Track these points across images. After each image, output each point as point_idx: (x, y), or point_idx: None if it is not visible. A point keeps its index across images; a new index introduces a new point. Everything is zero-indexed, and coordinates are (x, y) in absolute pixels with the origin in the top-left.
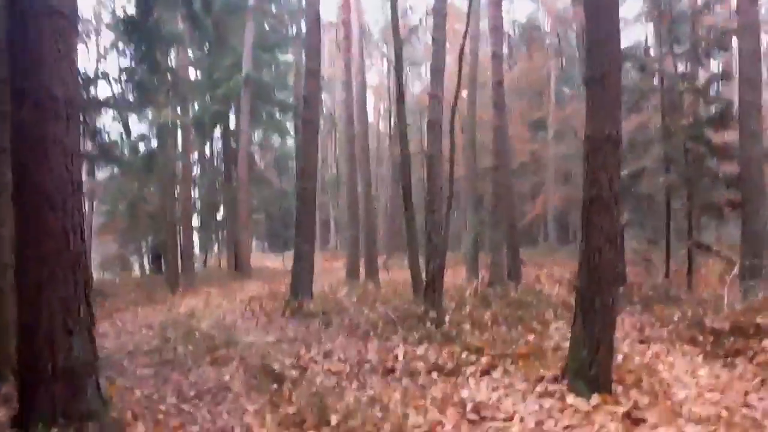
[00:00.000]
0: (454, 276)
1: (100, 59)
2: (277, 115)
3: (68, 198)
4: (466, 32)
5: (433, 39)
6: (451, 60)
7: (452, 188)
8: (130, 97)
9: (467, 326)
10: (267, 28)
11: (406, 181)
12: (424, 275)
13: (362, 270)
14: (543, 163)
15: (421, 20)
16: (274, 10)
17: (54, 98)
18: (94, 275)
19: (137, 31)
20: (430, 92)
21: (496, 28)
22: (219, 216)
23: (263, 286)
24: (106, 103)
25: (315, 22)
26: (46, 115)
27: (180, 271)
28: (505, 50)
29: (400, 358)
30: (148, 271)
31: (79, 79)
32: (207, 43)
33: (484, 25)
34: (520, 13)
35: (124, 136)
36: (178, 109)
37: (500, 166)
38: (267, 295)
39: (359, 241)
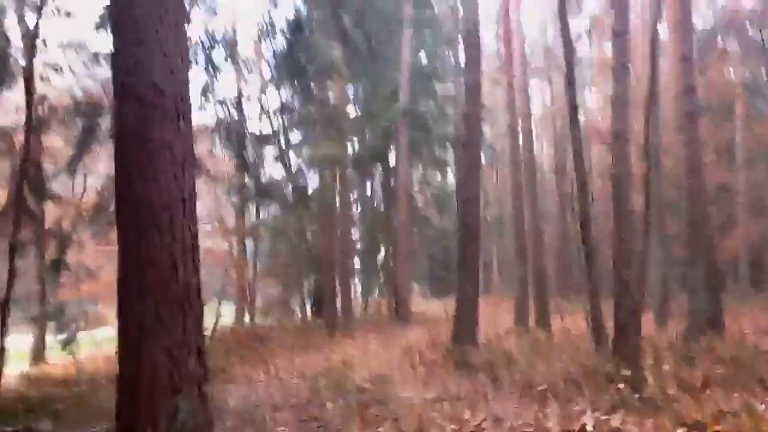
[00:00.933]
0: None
1: (261, 95)
2: (437, 150)
3: (176, 215)
4: (654, 28)
5: (614, 39)
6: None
7: (649, 210)
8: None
9: (673, 390)
10: (424, 59)
11: (584, 209)
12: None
13: (531, 316)
14: (732, 193)
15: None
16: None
17: (160, 93)
18: (256, 320)
19: (290, 59)
20: (612, 95)
21: (681, 24)
22: (379, 258)
23: (424, 333)
24: (266, 140)
25: (473, 31)
26: (151, 112)
27: (339, 315)
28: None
29: (589, 429)
30: (309, 316)
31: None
32: (364, 78)
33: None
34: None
35: (284, 174)
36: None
37: (695, 191)
38: (427, 343)
39: (527, 283)
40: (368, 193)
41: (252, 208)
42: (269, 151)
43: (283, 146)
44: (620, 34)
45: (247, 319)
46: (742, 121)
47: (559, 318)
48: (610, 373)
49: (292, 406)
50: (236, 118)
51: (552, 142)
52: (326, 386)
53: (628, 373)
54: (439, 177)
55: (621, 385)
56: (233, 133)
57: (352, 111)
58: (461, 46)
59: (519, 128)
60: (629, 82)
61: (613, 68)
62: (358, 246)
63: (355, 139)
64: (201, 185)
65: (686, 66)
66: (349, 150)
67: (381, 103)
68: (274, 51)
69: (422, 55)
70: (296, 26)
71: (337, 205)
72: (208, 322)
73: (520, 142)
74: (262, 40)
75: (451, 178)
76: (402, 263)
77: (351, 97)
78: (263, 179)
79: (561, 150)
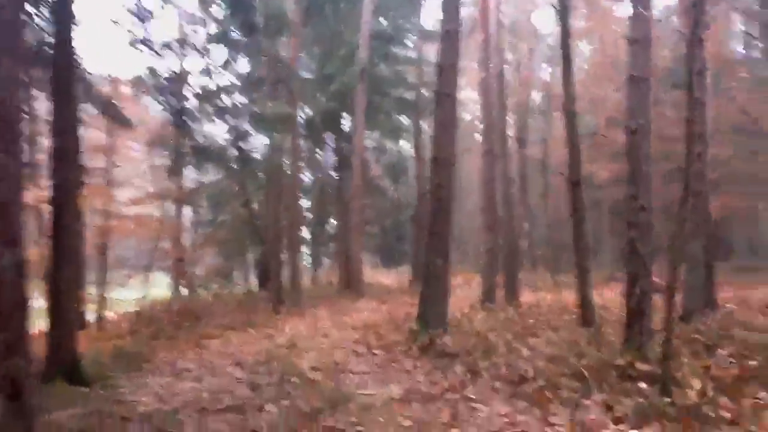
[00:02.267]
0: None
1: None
2: (394, 116)
3: None
4: None
5: None
6: None
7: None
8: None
9: (711, 392)
10: (384, 22)
11: (575, 168)
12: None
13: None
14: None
15: None
16: None
17: None
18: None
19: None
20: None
21: None
22: (329, 229)
23: (379, 307)
24: (208, 97)
25: None
26: None
27: (286, 288)
28: None
29: None
30: (254, 289)
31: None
32: (319, 36)
33: None
34: None
35: (227, 136)
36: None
37: (695, 152)
38: (385, 321)
39: (496, 255)
40: (319, 159)
41: (190, 173)
42: (209, 110)
43: (228, 105)
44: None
45: (186, 292)
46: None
47: (529, 294)
48: (623, 367)
49: (222, 409)
50: (174, 70)
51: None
52: (268, 378)
53: (645, 368)
54: (393, 147)
55: (643, 385)
56: (168, 86)
57: (304, 72)
58: (424, 8)
59: (491, 79)
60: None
61: None
62: (308, 215)
63: (306, 104)
64: (129, 143)
65: None
66: (300, 114)
67: (337, 65)
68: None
69: (381, 19)
70: None
71: (286, 171)
72: (135, 296)
73: (493, 92)
74: None
75: (407, 147)
76: (354, 234)
77: (304, 56)
78: (202, 140)
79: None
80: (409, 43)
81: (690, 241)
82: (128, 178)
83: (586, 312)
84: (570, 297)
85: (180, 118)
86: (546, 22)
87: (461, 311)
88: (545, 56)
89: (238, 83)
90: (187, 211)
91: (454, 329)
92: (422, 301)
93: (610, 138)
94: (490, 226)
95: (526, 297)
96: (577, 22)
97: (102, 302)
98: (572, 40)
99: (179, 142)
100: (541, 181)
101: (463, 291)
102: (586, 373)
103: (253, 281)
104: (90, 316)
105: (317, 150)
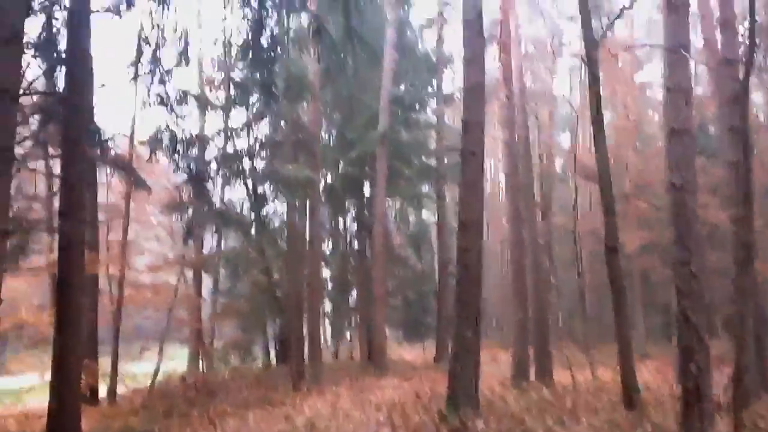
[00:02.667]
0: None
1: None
2: (416, 183)
3: None
4: None
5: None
6: None
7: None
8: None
9: None
10: (403, 87)
11: (611, 232)
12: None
13: (531, 368)
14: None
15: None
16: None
17: None
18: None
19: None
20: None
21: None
22: (351, 300)
23: (403, 385)
24: (229, 160)
25: (476, 17)
26: None
27: (306, 363)
28: None
29: None
30: (272, 363)
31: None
32: (340, 101)
33: None
34: None
35: (246, 200)
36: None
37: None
38: (411, 400)
39: (526, 328)
40: (340, 228)
41: (208, 240)
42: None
43: (247, 168)
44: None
45: (203, 366)
46: None
47: (561, 371)
48: None
49: None
50: (192, 132)
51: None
52: None
53: None
54: (414, 215)
55: None
56: (186, 147)
57: (325, 138)
58: (444, 72)
59: (518, 146)
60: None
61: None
62: (329, 286)
63: (327, 170)
64: (147, 207)
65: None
66: (321, 181)
67: (358, 130)
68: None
69: (402, 86)
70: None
71: (307, 239)
72: (149, 370)
73: (520, 153)
74: (226, 49)
75: (429, 216)
76: (377, 306)
77: (325, 123)
78: (220, 205)
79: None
80: (430, 109)
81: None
82: (145, 245)
83: (629, 392)
84: (606, 375)
85: (198, 181)
86: (563, 87)
87: (491, 389)
88: (564, 122)
89: (257, 147)
90: (206, 281)
91: (486, 410)
92: (451, 379)
93: (636, 205)
94: (520, 295)
95: (558, 374)
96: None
97: (115, 376)
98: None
99: (197, 206)
100: (567, 250)
101: (491, 367)
102: None
103: (273, 355)
104: (102, 390)
105: (338, 217)
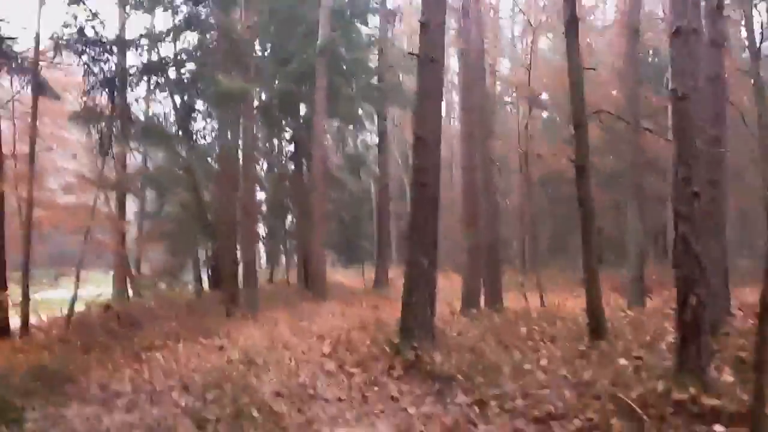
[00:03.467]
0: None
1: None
2: (356, 101)
3: None
4: None
5: None
6: None
7: None
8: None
9: None
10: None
11: (582, 149)
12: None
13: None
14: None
15: None
16: None
17: None
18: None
19: None
20: None
21: None
22: (287, 223)
23: (344, 312)
24: (152, 69)
25: None
26: None
27: (241, 288)
28: None
29: None
30: (204, 289)
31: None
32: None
33: None
34: None
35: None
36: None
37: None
38: (355, 329)
39: (479, 254)
40: (275, 149)
41: (131, 159)
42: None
43: (173, 78)
44: None
45: (130, 293)
46: None
47: (511, 297)
48: (684, 402)
49: None
50: (110, 39)
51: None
52: (219, 410)
53: (715, 402)
54: (352, 137)
55: (720, 429)
56: (104, 52)
57: (259, 52)
58: None
59: (471, 49)
60: None
61: None
62: (263, 209)
63: (262, 86)
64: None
65: None
66: (255, 98)
67: (295, 43)
68: None
69: None
70: None
71: (240, 158)
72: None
73: (472, 64)
74: None
75: (370, 137)
76: (316, 230)
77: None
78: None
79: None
80: (371, 25)
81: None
82: (62, 164)
83: (596, 322)
84: (560, 302)
85: (114, 88)
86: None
87: (442, 319)
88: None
89: (184, 56)
90: (131, 203)
91: (440, 342)
92: (405, 308)
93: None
94: (471, 220)
95: (510, 301)
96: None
97: (26, 305)
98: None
99: (114, 116)
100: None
101: (442, 294)
102: (640, 412)
103: (205, 281)
104: (14, 322)
105: (273, 138)
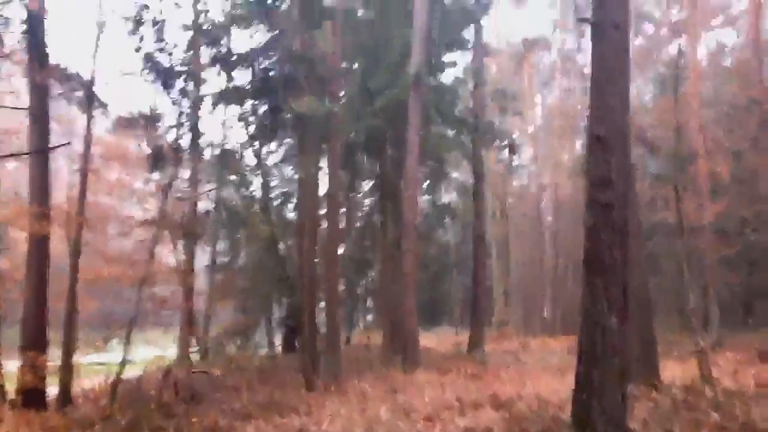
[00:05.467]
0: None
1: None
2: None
3: None
4: None
5: None
6: None
7: None
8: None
9: None
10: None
11: None
12: None
13: None
14: None
15: None
16: None
17: None
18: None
19: None
20: None
21: None
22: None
23: (443, 382)
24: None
25: None
26: None
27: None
28: None
29: None
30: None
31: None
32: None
33: None
34: None
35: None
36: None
37: None
38: (470, 406)
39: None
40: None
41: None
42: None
43: (249, 108)
44: None
45: (196, 357)
46: None
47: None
48: None
49: None
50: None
51: None
52: None
53: None
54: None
55: None
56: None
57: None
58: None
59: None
60: None
61: None
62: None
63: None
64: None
65: None
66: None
67: (386, 74)
68: None
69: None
70: None
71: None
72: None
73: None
74: None
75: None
76: (406, 286)
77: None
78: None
79: None
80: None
81: None
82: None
83: None
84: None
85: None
86: None
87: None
88: None
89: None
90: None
91: None
92: (581, 389)
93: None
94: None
95: (668, 371)
96: None
97: (68, 371)
98: None
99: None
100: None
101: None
102: None
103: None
104: (53, 390)
105: (354, 182)
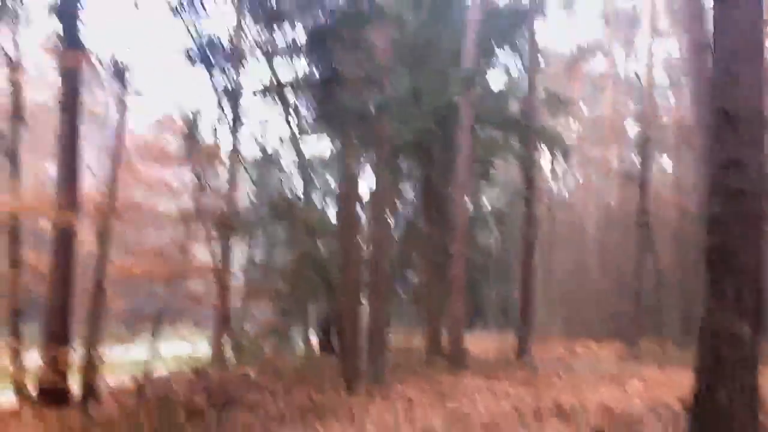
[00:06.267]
0: None
1: None
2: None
3: None
4: None
5: None
6: None
7: None
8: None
9: None
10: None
11: None
12: None
13: None
14: None
15: None
16: None
17: None
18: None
19: None
20: None
21: None
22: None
23: (493, 388)
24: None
25: None
26: None
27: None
28: None
29: None
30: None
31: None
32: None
33: None
34: None
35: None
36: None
37: None
38: (529, 414)
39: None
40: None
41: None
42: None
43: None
44: None
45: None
46: None
47: None
48: None
49: None
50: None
51: None
52: None
53: None
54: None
55: None
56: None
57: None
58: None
59: None
60: None
61: None
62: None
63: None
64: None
65: None
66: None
67: (434, 76)
68: None
69: None
70: None
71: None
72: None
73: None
74: None
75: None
76: (455, 289)
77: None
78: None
79: None
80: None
81: None
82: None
83: None
84: None
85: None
86: None
87: None
88: None
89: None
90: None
91: None
92: (702, 412)
93: None
94: None
95: None
96: None
97: (92, 368)
98: None
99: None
100: None
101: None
102: None
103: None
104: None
105: (398, 185)
